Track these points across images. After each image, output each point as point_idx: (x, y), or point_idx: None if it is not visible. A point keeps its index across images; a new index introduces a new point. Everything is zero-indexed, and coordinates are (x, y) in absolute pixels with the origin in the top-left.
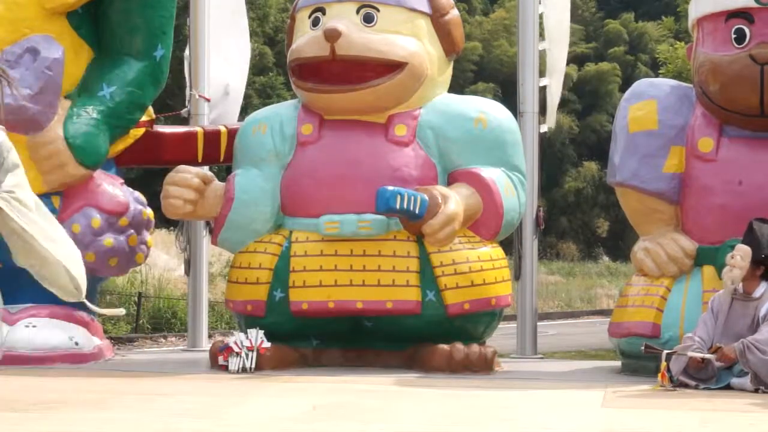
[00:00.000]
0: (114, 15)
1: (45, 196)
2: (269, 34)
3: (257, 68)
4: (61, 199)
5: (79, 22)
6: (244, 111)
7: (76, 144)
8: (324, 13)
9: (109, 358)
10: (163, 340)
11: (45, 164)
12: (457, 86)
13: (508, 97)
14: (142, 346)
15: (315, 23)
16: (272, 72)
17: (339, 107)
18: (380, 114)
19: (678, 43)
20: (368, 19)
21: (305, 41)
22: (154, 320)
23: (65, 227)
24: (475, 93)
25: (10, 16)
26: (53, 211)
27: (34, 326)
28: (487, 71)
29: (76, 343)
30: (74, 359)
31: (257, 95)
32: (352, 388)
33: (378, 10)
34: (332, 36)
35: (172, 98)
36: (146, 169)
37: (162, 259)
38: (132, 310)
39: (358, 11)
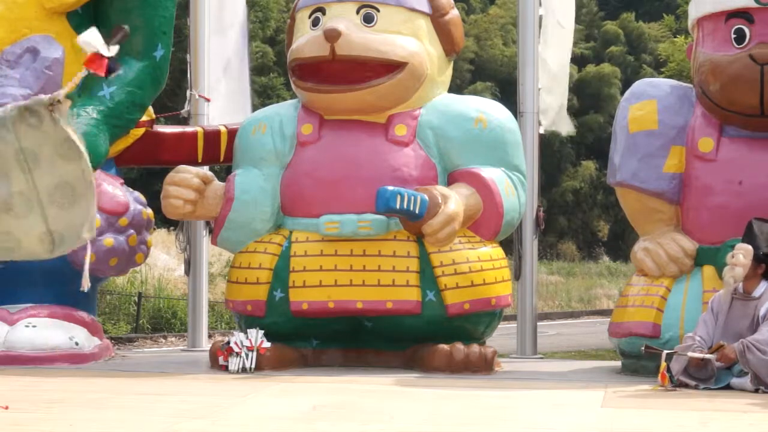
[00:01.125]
0: (114, 15)
1: None
2: (270, 35)
3: (257, 68)
4: None
5: (79, 22)
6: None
7: None
8: (324, 13)
9: (109, 358)
10: (163, 340)
11: None
12: (456, 87)
13: (507, 97)
14: (142, 346)
15: (315, 23)
16: (272, 72)
17: (339, 107)
18: (380, 114)
19: (679, 37)
20: (368, 19)
21: (305, 41)
22: (154, 320)
23: None
24: (473, 93)
25: (10, 16)
26: None
27: (34, 326)
28: (485, 71)
29: (76, 343)
30: (74, 359)
31: (257, 95)
32: (352, 388)
33: (378, 10)
34: (332, 36)
35: (172, 98)
36: (146, 169)
37: (162, 259)
38: (132, 310)
39: (358, 11)
